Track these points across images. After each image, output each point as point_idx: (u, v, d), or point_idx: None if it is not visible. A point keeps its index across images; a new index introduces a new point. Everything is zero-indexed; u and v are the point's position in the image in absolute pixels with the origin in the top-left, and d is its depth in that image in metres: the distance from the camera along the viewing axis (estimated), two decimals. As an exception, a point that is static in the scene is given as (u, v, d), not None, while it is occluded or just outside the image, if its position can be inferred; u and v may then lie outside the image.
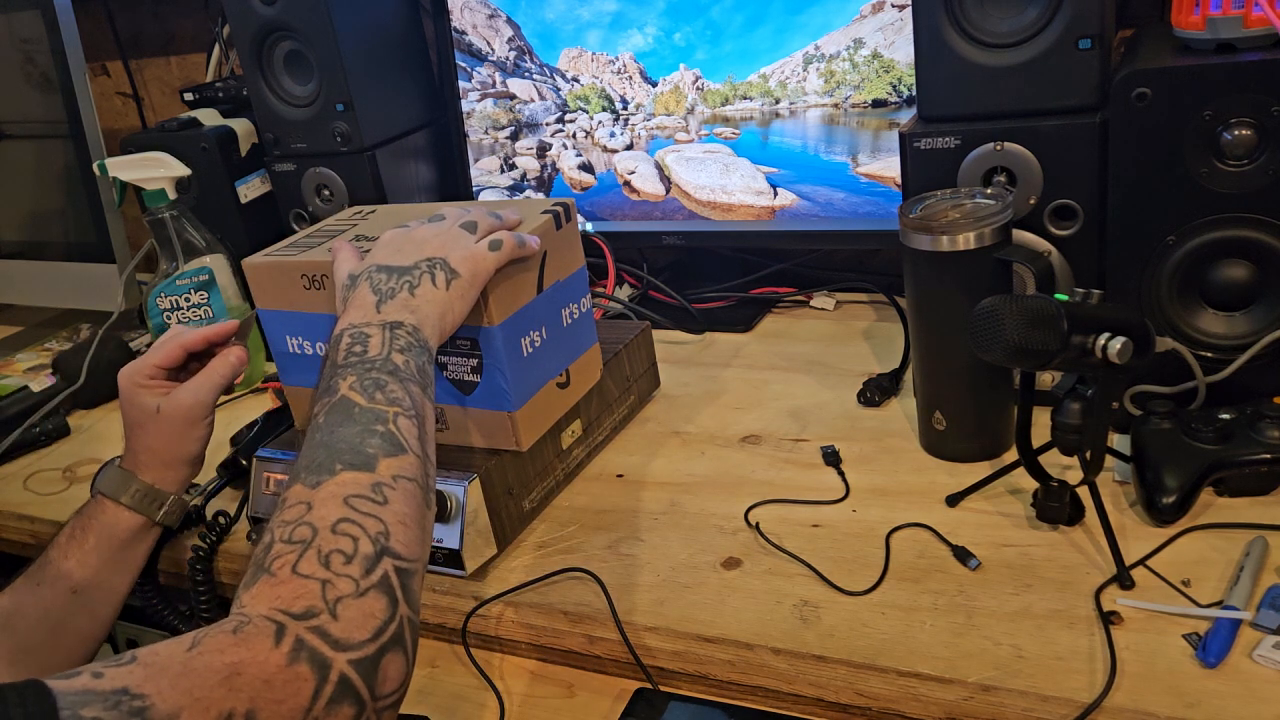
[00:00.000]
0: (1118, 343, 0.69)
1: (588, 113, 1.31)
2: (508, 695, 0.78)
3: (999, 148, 0.90)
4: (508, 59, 1.34)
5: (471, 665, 0.81)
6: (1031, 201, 0.90)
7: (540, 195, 1.38)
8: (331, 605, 0.53)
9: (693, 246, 1.31)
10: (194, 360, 0.92)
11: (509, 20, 1.32)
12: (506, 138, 1.37)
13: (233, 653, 0.50)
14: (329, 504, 0.57)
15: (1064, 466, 0.81)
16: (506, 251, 0.80)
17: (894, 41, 1.10)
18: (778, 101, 1.18)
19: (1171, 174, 0.80)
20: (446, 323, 0.74)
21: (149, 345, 1.36)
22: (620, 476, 0.96)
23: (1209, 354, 0.84)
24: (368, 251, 0.79)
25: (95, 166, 1.28)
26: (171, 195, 1.23)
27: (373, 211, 1.00)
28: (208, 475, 1.00)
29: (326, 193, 1.30)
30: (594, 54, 1.28)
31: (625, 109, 1.29)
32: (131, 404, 0.88)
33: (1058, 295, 0.72)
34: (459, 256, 0.77)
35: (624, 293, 1.31)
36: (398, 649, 0.54)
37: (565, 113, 1.33)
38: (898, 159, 0.96)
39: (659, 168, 1.29)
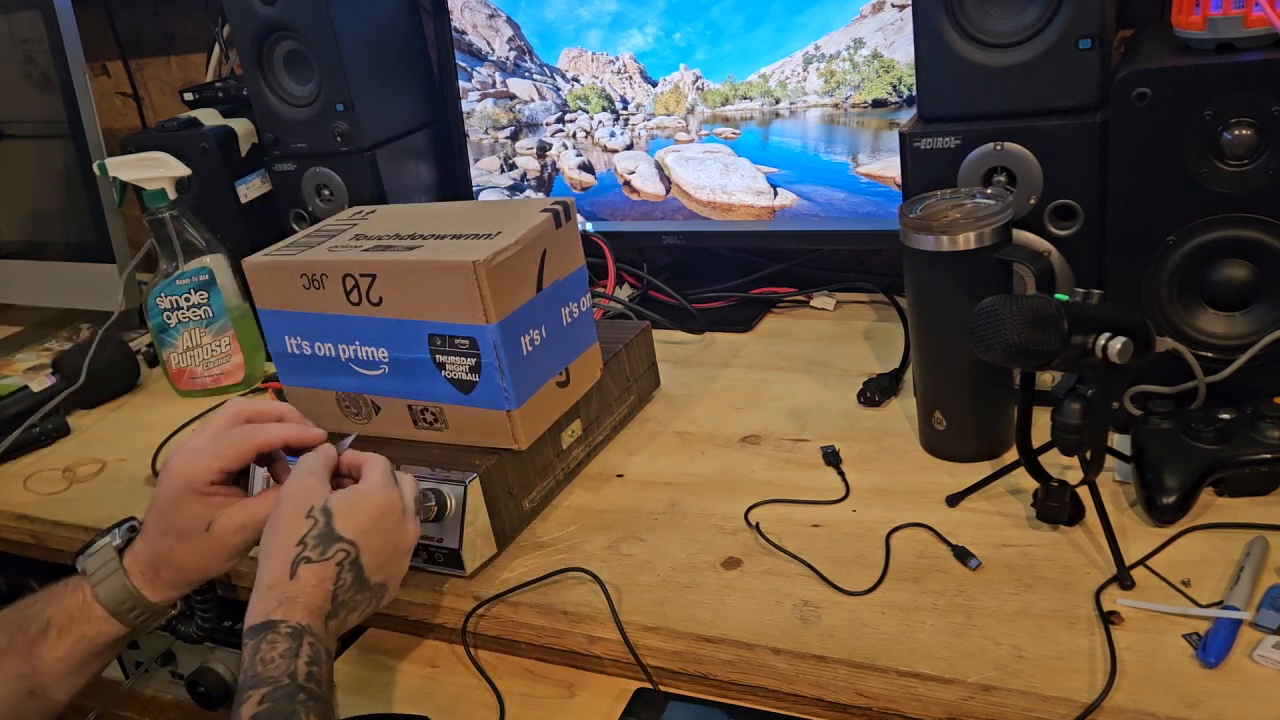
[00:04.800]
0: (1118, 343, 0.69)
1: (588, 113, 1.31)
2: (508, 695, 0.78)
3: (999, 148, 0.90)
4: (508, 59, 1.34)
5: (471, 665, 0.81)
6: (1031, 201, 0.90)
7: (540, 195, 1.38)
8: None
9: (693, 246, 1.31)
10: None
11: (509, 20, 1.32)
12: (506, 138, 1.37)
13: None
14: None
15: (1064, 466, 0.81)
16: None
17: (894, 41, 1.10)
18: (778, 101, 1.18)
19: (1171, 174, 0.80)
20: None
21: (149, 345, 1.38)
22: (620, 476, 0.96)
23: (1209, 354, 0.84)
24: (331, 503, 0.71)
25: (95, 166, 1.28)
26: (171, 195, 1.23)
27: (373, 212, 1.00)
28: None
29: (326, 193, 1.30)
30: (594, 54, 1.28)
31: (625, 109, 1.29)
32: (179, 509, 0.74)
33: (1058, 295, 0.72)
34: (396, 586, 0.75)
35: (624, 293, 1.31)
36: None
37: (565, 113, 1.33)
38: (898, 159, 0.96)
39: (659, 168, 1.29)
